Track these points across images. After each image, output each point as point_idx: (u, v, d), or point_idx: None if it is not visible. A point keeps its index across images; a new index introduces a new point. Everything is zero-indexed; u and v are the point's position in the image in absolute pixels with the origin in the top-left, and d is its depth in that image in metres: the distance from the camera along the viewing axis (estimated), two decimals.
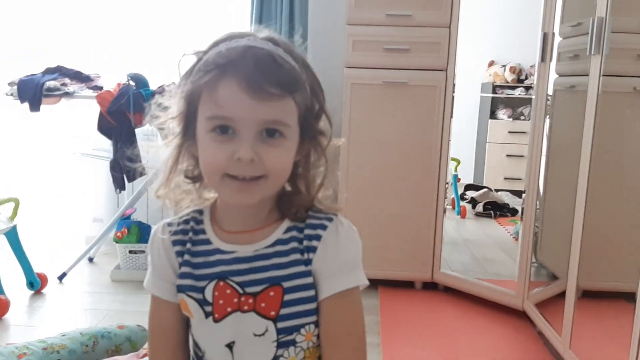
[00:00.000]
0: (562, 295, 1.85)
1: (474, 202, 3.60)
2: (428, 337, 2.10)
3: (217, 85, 0.70)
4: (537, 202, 2.19)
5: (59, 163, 3.20)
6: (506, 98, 3.67)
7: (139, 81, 2.52)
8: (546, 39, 2.07)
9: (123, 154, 2.53)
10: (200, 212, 0.82)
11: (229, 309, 0.76)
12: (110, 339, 1.75)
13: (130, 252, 2.64)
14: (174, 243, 0.80)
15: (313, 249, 0.77)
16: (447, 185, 2.51)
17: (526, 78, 3.55)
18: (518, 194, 3.42)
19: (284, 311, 0.76)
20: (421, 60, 2.34)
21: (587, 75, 1.73)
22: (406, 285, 2.52)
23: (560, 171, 2.17)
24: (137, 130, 2.58)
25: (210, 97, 0.71)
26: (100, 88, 2.63)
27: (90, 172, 3.15)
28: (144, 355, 1.72)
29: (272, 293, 0.76)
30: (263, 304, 0.75)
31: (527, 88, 3.54)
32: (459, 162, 3.44)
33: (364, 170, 2.42)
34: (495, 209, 3.51)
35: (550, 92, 2.13)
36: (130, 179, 2.60)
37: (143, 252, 2.64)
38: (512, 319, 2.24)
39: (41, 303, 2.38)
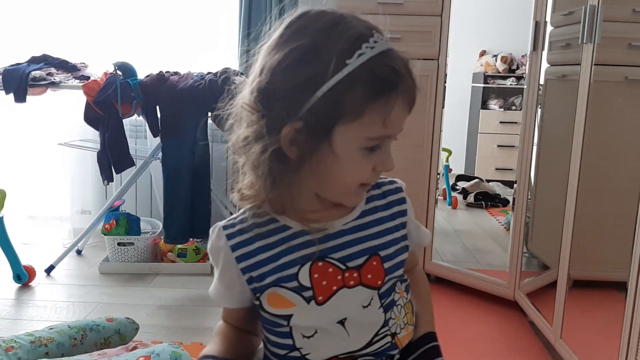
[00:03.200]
0: (553, 285, 1.85)
1: (465, 192, 3.60)
2: None
3: (393, 109, 0.67)
4: (529, 193, 2.19)
5: (45, 154, 3.16)
6: (497, 88, 3.67)
7: (127, 70, 2.48)
8: (538, 27, 2.06)
9: (110, 144, 2.50)
10: (257, 206, 0.76)
11: (334, 288, 0.73)
12: (99, 331, 1.73)
13: (119, 244, 2.62)
14: (233, 248, 0.75)
15: (403, 213, 0.81)
16: (438, 176, 2.50)
17: (517, 68, 3.55)
18: (509, 184, 3.42)
19: (386, 278, 0.76)
20: (412, 49, 2.27)
21: (578, 64, 1.72)
22: None
23: (552, 161, 2.16)
24: (124, 121, 2.54)
25: (380, 118, 0.67)
26: (87, 78, 2.59)
27: (77, 163, 3.12)
28: (134, 348, 1.70)
29: (374, 263, 0.76)
30: (369, 275, 0.75)
31: (519, 78, 3.53)
32: (450, 153, 3.43)
33: None
34: (487, 200, 3.51)
35: (541, 81, 2.13)
36: (118, 170, 2.57)
37: (132, 244, 2.62)
38: (504, 308, 2.25)
39: (29, 296, 2.36)
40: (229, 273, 0.76)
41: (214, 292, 0.80)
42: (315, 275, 0.73)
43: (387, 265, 0.76)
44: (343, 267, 0.74)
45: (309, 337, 0.75)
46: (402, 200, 0.82)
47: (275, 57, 0.68)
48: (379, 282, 0.75)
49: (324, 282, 0.73)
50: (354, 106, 0.65)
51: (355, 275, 0.74)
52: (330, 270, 0.73)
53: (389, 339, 0.77)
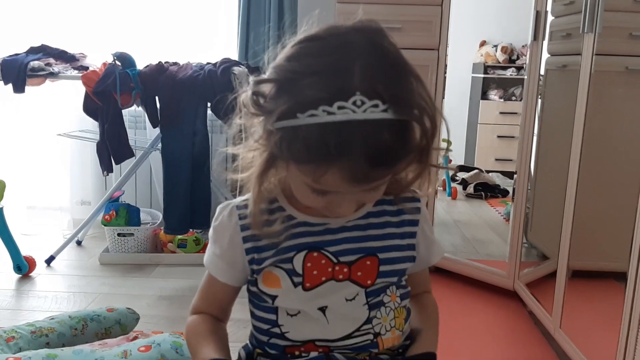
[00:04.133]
0: (552, 275, 1.85)
1: (464, 183, 3.60)
2: None
3: (320, 176, 0.64)
4: (528, 183, 2.19)
5: (44, 145, 3.15)
6: (498, 78, 3.66)
7: (125, 61, 2.47)
8: (539, 17, 2.05)
9: (110, 135, 2.50)
10: (269, 191, 0.79)
11: (323, 279, 0.76)
12: (100, 322, 1.73)
13: (119, 235, 2.62)
14: (242, 228, 0.78)
15: (414, 223, 0.81)
16: None
17: (518, 58, 3.54)
18: (509, 175, 3.42)
19: (379, 280, 0.77)
20: (413, 39, 2.30)
21: (579, 54, 1.72)
22: None
23: (552, 151, 2.16)
24: (123, 112, 2.54)
25: (313, 179, 0.66)
26: (86, 68, 2.58)
27: (76, 154, 3.11)
28: (134, 338, 1.71)
29: (368, 262, 0.77)
30: (359, 273, 0.76)
31: (519, 68, 3.52)
32: (450, 144, 3.42)
33: None
34: (486, 190, 3.51)
35: (542, 71, 2.12)
36: (118, 161, 2.56)
37: (132, 234, 2.62)
38: (503, 299, 2.25)
39: (29, 287, 2.36)
40: (232, 251, 0.79)
41: (213, 267, 0.81)
42: (308, 264, 0.76)
43: (383, 268, 0.77)
44: (335, 261, 0.76)
45: (291, 316, 0.78)
46: (415, 210, 0.82)
47: (266, 75, 0.69)
48: (369, 282, 0.77)
49: (315, 272, 0.76)
50: (293, 154, 0.65)
51: (345, 270, 0.76)
52: (323, 262, 0.76)
53: (370, 337, 0.78)
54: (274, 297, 0.78)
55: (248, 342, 0.85)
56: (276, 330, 0.79)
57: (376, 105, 0.62)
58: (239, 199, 0.80)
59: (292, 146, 0.64)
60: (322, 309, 0.77)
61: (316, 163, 0.63)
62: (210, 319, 0.84)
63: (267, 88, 0.68)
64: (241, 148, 0.75)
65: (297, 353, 0.78)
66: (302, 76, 0.64)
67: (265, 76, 0.69)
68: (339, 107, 0.61)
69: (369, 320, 0.78)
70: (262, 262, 0.77)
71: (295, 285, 0.76)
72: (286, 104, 0.64)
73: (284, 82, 0.66)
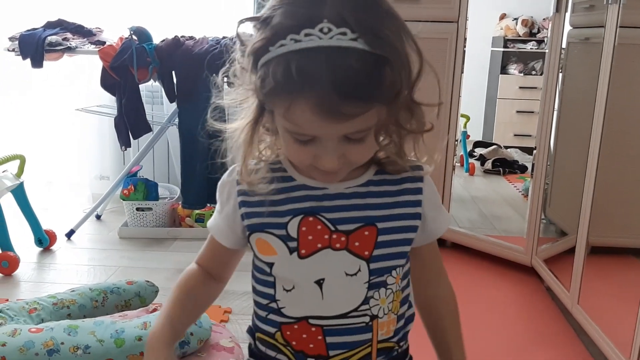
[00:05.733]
0: (570, 251, 1.84)
1: (482, 159, 3.58)
2: None
3: (289, 110, 0.64)
4: (548, 159, 2.16)
5: (63, 120, 3.18)
6: (517, 52, 3.60)
7: (142, 35, 2.46)
8: None
9: (127, 110, 2.51)
10: (274, 156, 0.79)
11: (318, 245, 0.73)
12: (120, 294, 1.76)
13: (138, 209, 2.65)
14: (238, 182, 0.77)
15: (417, 191, 0.77)
16: (456, 142, 2.48)
17: (538, 31, 3.47)
18: (527, 150, 3.39)
19: (377, 252, 0.74)
20: (432, 12, 2.26)
21: (602, 26, 1.68)
22: None
23: (573, 127, 2.13)
24: (141, 87, 2.54)
25: (284, 116, 0.65)
26: (103, 43, 2.58)
27: (95, 129, 3.13)
28: (154, 310, 1.74)
29: (366, 232, 0.74)
30: (357, 243, 0.74)
31: (539, 42, 3.46)
32: (468, 119, 3.39)
33: None
34: (504, 166, 3.48)
35: (563, 45, 2.08)
36: (136, 136, 2.58)
37: (150, 209, 2.65)
38: (520, 274, 2.25)
39: (50, 260, 2.40)
40: (227, 206, 0.79)
41: (213, 225, 0.82)
42: (303, 229, 0.73)
43: (381, 238, 0.74)
44: (332, 229, 0.74)
45: (287, 291, 0.76)
46: (418, 179, 0.78)
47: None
48: (366, 253, 0.74)
49: (310, 237, 0.73)
50: (265, 91, 0.65)
51: (342, 239, 0.73)
52: (319, 227, 0.73)
53: (366, 319, 0.75)
54: (270, 265, 0.76)
55: (251, 324, 0.84)
56: (274, 305, 0.77)
57: (344, 33, 0.61)
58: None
59: (265, 83, 0.64)
60: (319, 282, 0.74)
61: (284, 95, 0.63)
62: (204, 278, 0.85)
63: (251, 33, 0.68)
64: (230, 98, 0.76)
65: (288, 333, 0.76)
66: (276, 10, 0.64)
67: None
68: (306, 35, 0.61)
69: (366, 301, 0.75)
70: (253, 217, 0.76)
71: (291, 251, 0.74)
72: (260, 39, 0.64)
73: (262, 20, 0.66)
